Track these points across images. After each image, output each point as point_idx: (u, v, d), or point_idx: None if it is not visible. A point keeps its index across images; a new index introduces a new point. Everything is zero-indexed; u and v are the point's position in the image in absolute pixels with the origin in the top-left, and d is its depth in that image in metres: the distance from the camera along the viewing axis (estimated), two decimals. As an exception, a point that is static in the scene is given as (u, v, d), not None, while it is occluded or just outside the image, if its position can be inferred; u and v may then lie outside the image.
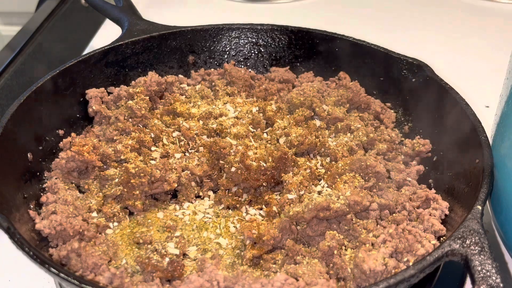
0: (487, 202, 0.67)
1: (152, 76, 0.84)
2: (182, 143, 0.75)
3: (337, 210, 0.61)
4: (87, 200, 0.67)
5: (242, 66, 0.93)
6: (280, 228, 0.61)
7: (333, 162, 0.72)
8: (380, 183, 0.67)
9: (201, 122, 0.78)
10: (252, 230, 0.61)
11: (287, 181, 0.68)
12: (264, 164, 0.69)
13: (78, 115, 0.80)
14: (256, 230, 0.61)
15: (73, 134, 0.76)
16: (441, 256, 0.52)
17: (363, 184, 0.66)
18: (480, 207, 0.56)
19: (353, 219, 0.63)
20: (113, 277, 0.56)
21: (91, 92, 0.81)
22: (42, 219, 0.63)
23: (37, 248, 0.55)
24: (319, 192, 0.67)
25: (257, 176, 0.69)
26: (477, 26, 1.22)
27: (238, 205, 0.69)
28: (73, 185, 0.70)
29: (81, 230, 0.62)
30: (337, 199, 0.62)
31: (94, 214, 0.66)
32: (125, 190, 0.67)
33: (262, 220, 0.66)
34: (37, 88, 0.73)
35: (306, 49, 0.91)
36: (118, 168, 0.71)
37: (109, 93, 0.83)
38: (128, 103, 0.78)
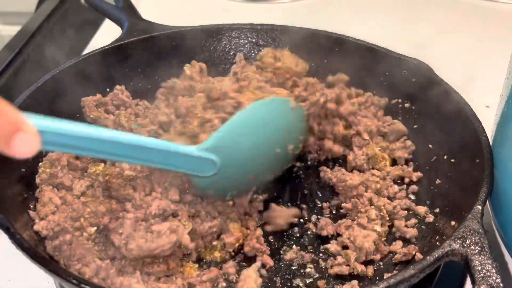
0: (487, 202, 0.67)
1: None
2: None
3: None
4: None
5: (242, 66, 0.92)
6: None
7: None
8: None
9: None
10: None
11: None
12: None
13: (77, 115, 0.80)
14: None
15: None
16: (441, 256, 0.52)
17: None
18: (480, 207, 0.56)
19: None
20: (99, 269, 0.56)
21: (85, 102, 0.79)
22: (41, 219, 0.63)
23: (37, 248, 0.55)
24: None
25: None
26: (477, 26, 1.21)
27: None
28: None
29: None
30: None
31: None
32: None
33: None
34: (37, 88, 0.73)
35: (306, 49, 0.91)
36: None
37: (108, 93, 0.83)
38: None
